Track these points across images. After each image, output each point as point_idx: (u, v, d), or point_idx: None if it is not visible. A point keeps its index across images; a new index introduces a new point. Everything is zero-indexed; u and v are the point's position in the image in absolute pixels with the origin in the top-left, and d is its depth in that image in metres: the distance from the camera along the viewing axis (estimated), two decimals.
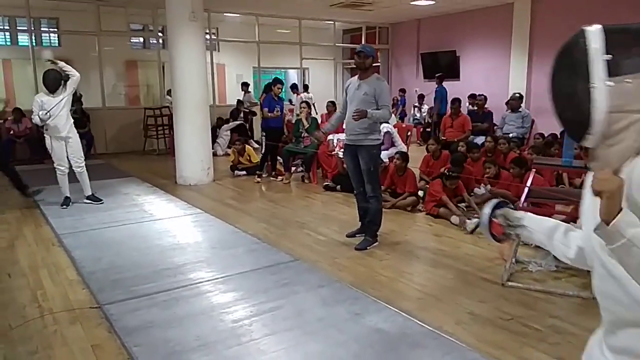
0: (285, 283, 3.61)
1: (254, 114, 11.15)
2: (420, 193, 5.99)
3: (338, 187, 6.89)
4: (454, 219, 5.17)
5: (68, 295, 3.53)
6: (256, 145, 9.86)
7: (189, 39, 7.25)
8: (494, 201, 1.51)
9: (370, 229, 4.53)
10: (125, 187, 7.17)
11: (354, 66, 4.47)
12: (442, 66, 12.08)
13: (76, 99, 9.08)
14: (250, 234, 4.89)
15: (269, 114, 7.66)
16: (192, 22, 7.18)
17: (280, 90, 7.86)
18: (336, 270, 3.96)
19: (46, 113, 5.42)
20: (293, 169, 7.94)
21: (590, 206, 1.13)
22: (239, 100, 11.61)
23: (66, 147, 5.77)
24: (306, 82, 14.12)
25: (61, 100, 5.56)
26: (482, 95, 9.70)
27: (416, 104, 12.32)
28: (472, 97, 10.01)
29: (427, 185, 5.95)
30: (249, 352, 2.69)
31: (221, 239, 4.77)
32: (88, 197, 6.04)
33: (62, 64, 5.66)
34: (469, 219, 5.05)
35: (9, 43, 11.88)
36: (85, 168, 5.94)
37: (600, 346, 1.21)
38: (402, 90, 13.03)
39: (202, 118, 7.55)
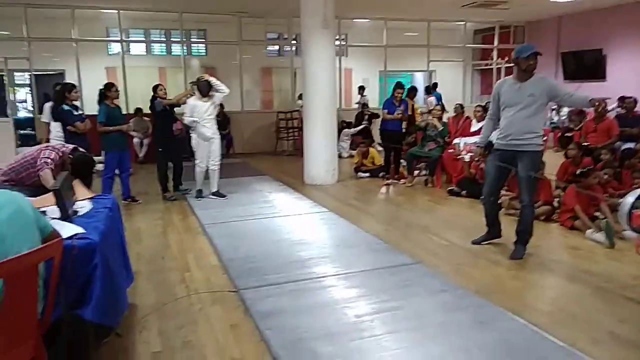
0: (405, 284, 3.65)
1: (378, 116, 11.27)
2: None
3: (463, 192, 6.72)
4: (589, 232, 4.77)
5: (210, 278, 3.95)
6: (380, 148, 9.95)
7: (320, 45, 7.60)
8: (639, 191, 1.38)
9: (522, 238, 4.31)
10: (259, 184, 7.73)
11: (522, 68, 4.22)
12: (586, 66, 11.10)
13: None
14: (372, 234, 5.00)
15: (388, 116, 7.79)
16: (324, 29, 7.51)
17: (400, 94, 7.88)
18: (459, 276, 3.89)
19: (193, 121, 6.31)
20: (416, 172, 7.90)
21: None
22: (364, 104, 11.82)
23: (209, 147, 6.44)
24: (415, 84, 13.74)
25: (209, 106, 6.38)
26: (632, 97, 8.72)
27: (554, 107, 11.46)
28: (621, 99, 9.05)
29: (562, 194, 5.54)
30: (370, 346, 2.78)
31: (344, 237, 4.94)
32: (213, 193, 6.65)
33: (213, 79, 6.46)
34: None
35: (164, 53, 13.45)
36: (219, 167, 6.58)
37: None
38: None
39: (330, 121, 7.85)
